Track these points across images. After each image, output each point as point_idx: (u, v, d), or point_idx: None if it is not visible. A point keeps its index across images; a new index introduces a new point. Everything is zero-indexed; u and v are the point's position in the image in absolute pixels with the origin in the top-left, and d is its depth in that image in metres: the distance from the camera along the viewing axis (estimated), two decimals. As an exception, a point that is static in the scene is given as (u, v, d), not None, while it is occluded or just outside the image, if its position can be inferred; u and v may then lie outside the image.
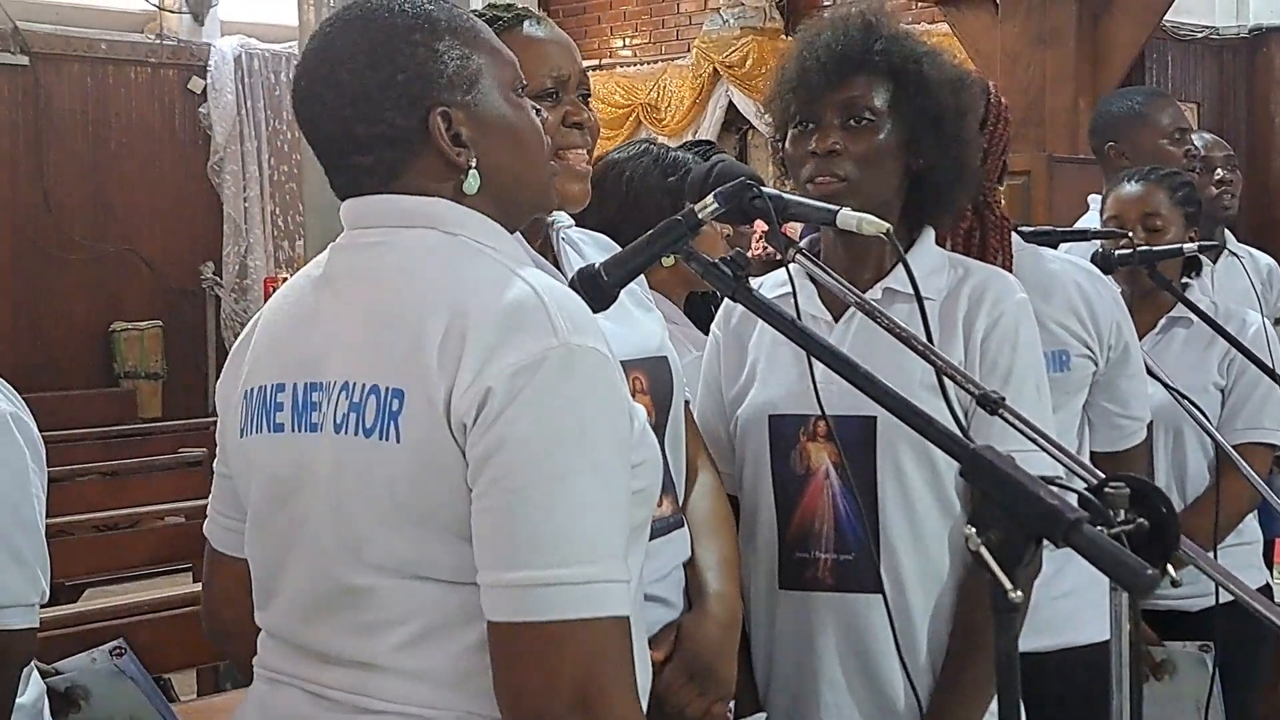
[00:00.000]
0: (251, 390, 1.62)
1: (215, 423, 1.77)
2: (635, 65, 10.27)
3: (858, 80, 2.07)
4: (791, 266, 1.84)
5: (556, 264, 1.95)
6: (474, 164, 1.56)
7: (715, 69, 9.41)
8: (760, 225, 2.09)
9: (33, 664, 2.09)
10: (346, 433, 1.48)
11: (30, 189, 9.21)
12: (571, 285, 1.72)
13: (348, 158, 1.57)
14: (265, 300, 1.67)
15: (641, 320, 2.00)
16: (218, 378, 1.75)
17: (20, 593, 1.99)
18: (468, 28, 1.60)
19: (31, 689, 2.10)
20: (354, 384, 1.49)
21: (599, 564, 1.41)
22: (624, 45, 10.50)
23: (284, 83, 10.19)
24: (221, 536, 1.77)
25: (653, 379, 1.95)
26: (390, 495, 1.46)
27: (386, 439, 1.45)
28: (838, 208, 1.73)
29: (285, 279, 1.79)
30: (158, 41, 9.90)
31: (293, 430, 1.55)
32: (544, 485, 1.40)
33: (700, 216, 1.72)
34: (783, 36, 9.24)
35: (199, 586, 1.78)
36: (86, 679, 2.30)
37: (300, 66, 1.61)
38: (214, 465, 1.78)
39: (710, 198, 1.73)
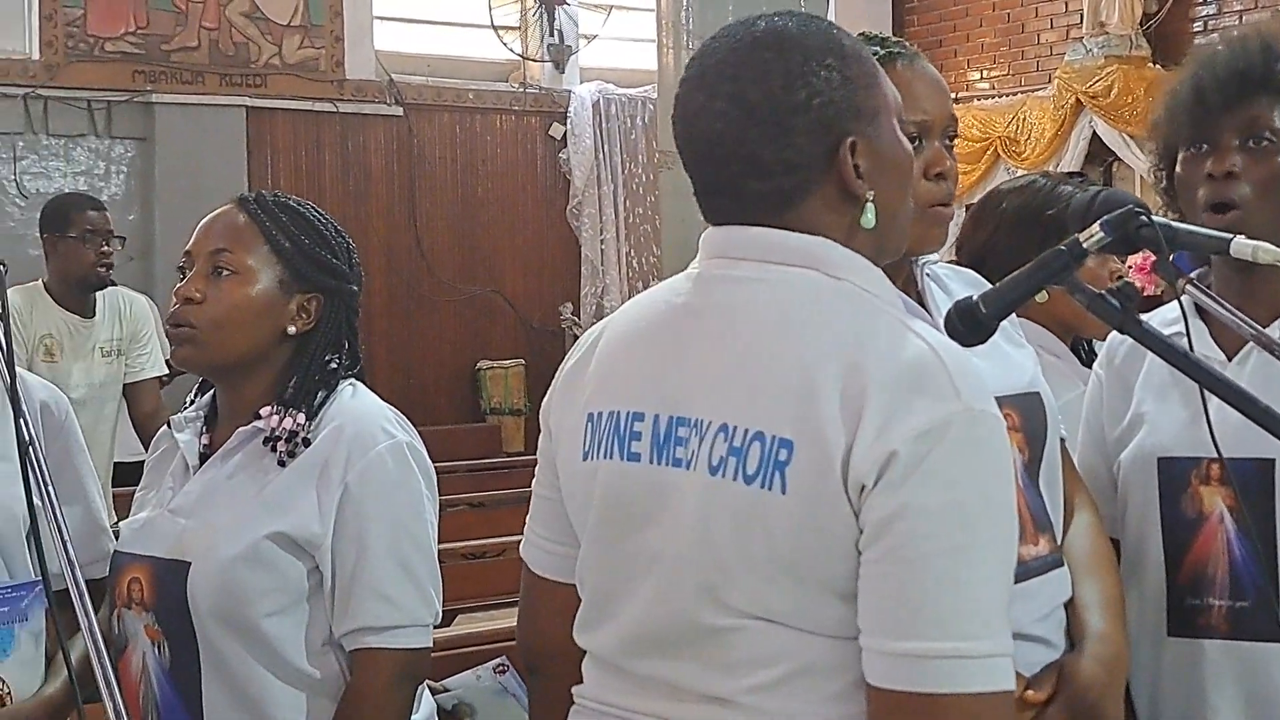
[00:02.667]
0: (599, 414, 1.59)
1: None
2: (993, 98, 10.08)
3: (1259, 100, 1.97)
4: (1183, 299, 1.77)
5: (920, 300, 1.91)
6: (871, 197, 1.53)
7: (1078, 99, 9.13)
8: (1134, 259, 2.01)
9: (424, 682, 2.18)
10: (724, 476, 1.45)
11: (404, 234, 9.62)
12: (948, 318, 1.69)
13: (743, 181, 1.52)
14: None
15: (1012, 355, 1.94)
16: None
17: (415, 613, 2.06)
18: (869, 57, 1.57)
19: (424, 707, 2.16)
20: (734, 427, 1.45)
21: (995, 638, 1.38)
22: (981, 78, 10.32)
23: (639, 126, 10.40)
24: (540, 559, 1.77)
25: (1024, 415, 1.90)
26: (766, 545, 1.43)
27: (770, 488, 1.42)
28: (1231, 235, 1.65)
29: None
30: (521, 90, 10.22)
31: (651, 462, 1.53)
32: (946, 557, 1.36)
33: (1085, 246, 1.66)
34: (1149, 64, 8.91)
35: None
36: (471, 696, 2.37)
37: (694, 81, 1.56)
38: (534, 486, 1.77)
39: (1096, 226, 1.66)
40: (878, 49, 1.89)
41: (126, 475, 4.90)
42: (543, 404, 1.74)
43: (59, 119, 8.37)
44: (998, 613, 1.39)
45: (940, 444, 1.37)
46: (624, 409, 1.57)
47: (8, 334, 1.87)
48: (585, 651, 1.65)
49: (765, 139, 1.50)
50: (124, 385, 5.14)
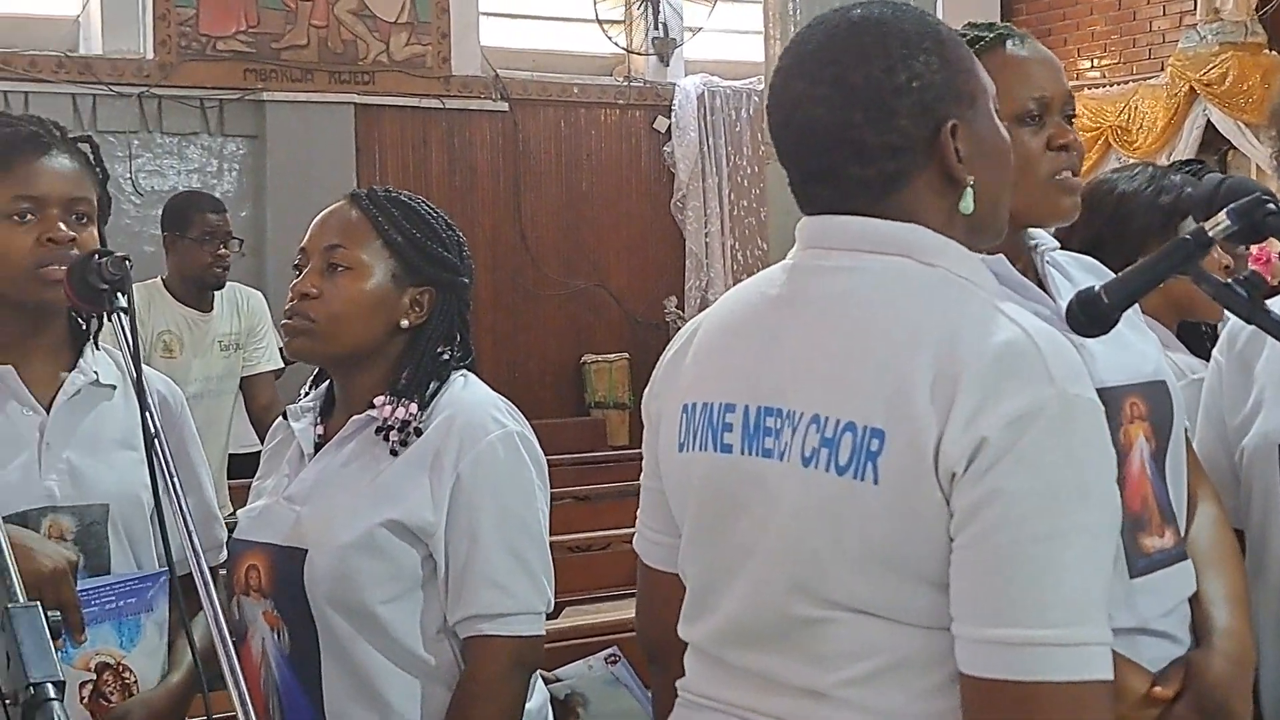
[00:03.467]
0: (693, 405, 1.60)
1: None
2: (1104, 87, 9.91)
3: None
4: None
5: (1041, 286, 1.89)
6: (972, 182, 1.52)
7: (1191, 87, 8.95)
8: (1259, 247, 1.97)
9: (537, 672, 2.19)
10: (817, 467, 1.45)
11: (509, 229, 9.64)
12: (1070, 309, 1.67)
13: (844, 167, 1.52)
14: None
15: (1136, 343, 1.91)
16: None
17: (528, 601, 2.07)
18: (964, 44, 1.58)
19: (537, 696, 2.17)
20: (826, 418, 1.45)
21: (1089, 626, 1.35)
22: (1092, 66, 10.16)
23: (744, 119, 10.36)
24: (651, 551, 1.78)
25: (1151, 404, 1.87)
26: (860, 537, 1.42)
27: (862, 479, 1.41)
28: (1361, 223, 1.61)
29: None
30: (626, 84, 10.20)
31: (742, 453, 1.53)
32: (1038, 543, 1.34)
33: (1211, 235, 1.63)
34: (1265, 51, 8.72)
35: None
36: (584, 686, 2.38)
37: (792, 69, 1.56)
38: (641, 478, 1.77)
39: (1222, 214, 1.63)
40: (985, 33, 1.88)
41: (240, 467, 4.98)
42: (644, 396, 1.75)
43: (173, 117, 8.50)
44: (1093, 600, 1.36)
45: (1031, 429, 1.36)
46: (717, 400, 1.58)
47: (134, 329, 1.91)
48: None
49: (868, 122, 1.49)
50: (240, 378, 5.22)
